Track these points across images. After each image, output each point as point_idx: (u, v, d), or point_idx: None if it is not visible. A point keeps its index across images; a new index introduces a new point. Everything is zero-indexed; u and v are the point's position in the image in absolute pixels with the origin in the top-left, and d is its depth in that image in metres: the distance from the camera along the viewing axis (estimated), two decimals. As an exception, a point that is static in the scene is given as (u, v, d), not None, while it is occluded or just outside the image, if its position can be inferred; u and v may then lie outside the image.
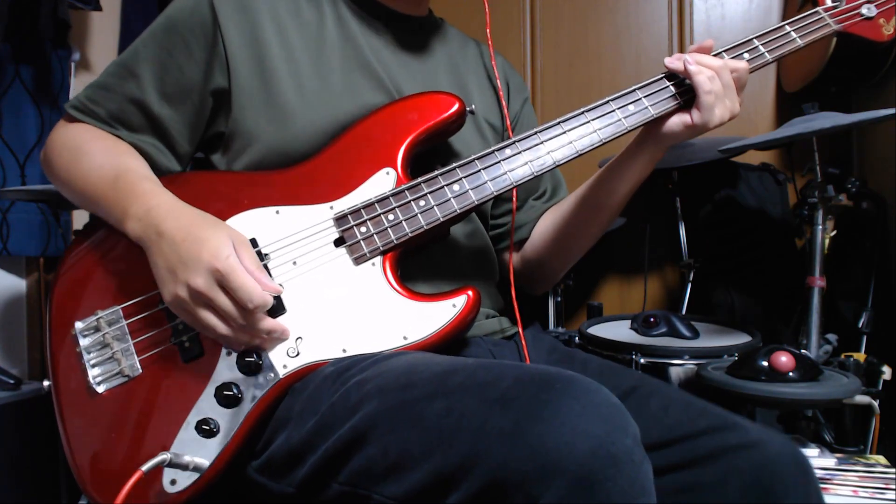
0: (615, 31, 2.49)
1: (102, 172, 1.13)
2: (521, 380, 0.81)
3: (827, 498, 1.01)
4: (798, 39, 1.20)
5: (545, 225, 1.39)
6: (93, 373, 1.09)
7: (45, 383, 1.15)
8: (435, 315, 1.05)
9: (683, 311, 2.15)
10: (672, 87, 1.17)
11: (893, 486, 1.32)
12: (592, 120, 1.15)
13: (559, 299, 2.16)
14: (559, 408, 0.76)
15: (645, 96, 1.16)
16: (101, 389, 1.09)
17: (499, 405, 0.79)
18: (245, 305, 0.98)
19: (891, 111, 1.49)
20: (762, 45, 1.19)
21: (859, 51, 1.92)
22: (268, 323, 1.02)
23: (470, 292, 1.06)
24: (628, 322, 1.90)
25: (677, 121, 1.17)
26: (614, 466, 0.74)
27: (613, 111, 1.16)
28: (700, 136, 2.43)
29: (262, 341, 1.03)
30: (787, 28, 1.20)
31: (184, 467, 1.00)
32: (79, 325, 1.12)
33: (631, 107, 1.16)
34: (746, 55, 1.18)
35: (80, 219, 2.35)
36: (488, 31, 1.35)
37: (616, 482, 0.73)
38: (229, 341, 1.02)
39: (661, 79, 1.18)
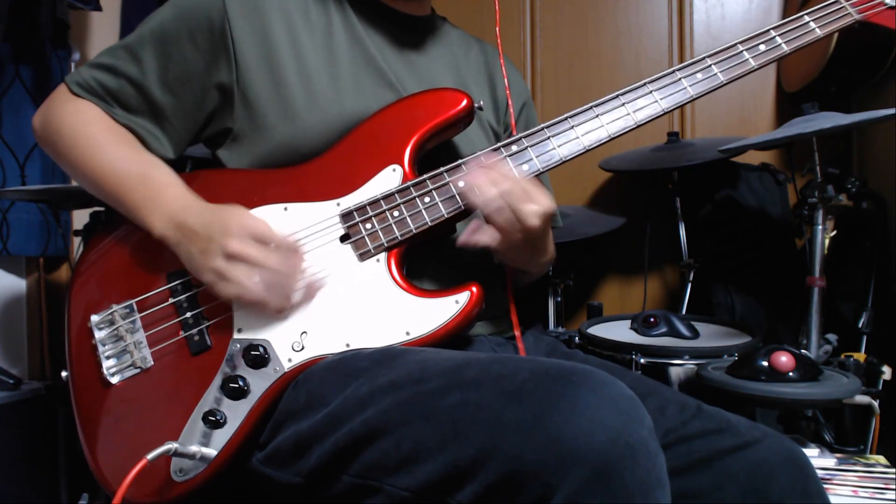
0: (615, 31, 2.49)
1: (124, 171, 1.15)
2: (537, 373, 0.82)
3: (829, 499, 1.01)
4: (817, 30, 1.16)
5: None
6: (107, 364, 1.13)
7: (64, 374, 1.18)
8: (437, 311, 1.05)
9: (683, 311, 2.15)
10: (684, 80, 1.14)
11: (893, 486, 1.32)
12: (601, 115, 1.14)
13: (559, 299, 2.16)
14: (576, 400, 0.77)
15: (656, 89, 1.14)
16: (114, 380, 1.12)
17: (515, 397, 0.80)
18: (285, 242, 1.04)
19: (891, 111, 1.49)
20: (779, 35, 1.15)
21: (860, 50, 1.93)
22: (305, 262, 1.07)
23: (473, 289, 1.06)
24: (628, 322, 1.90)
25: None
26: (631, 457, 0.75)
27: (622, 105, 1.14)
28: (700, 136, 2.46)
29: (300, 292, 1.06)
30: (806, 18, 1.16)
31: (191, 457, 1.02)
32: (94, 318, 1.15)
33: (641, 100, 1.14)
34: (762, 46, 1.15)
35: (80, 219, 2.35)
36: (497, 29, 1.34)
37: (633, 472, 0.74)
38: (273, 295, 1.03)
39: (674, 72, 1.15)
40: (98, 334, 1.14)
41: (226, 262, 1.02)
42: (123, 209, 1.15)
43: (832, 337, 1.75)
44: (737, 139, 1.91)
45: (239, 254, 1.01)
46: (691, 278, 2.17)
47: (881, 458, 1.47)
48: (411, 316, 1.06)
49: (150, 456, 0.95)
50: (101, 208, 1.82)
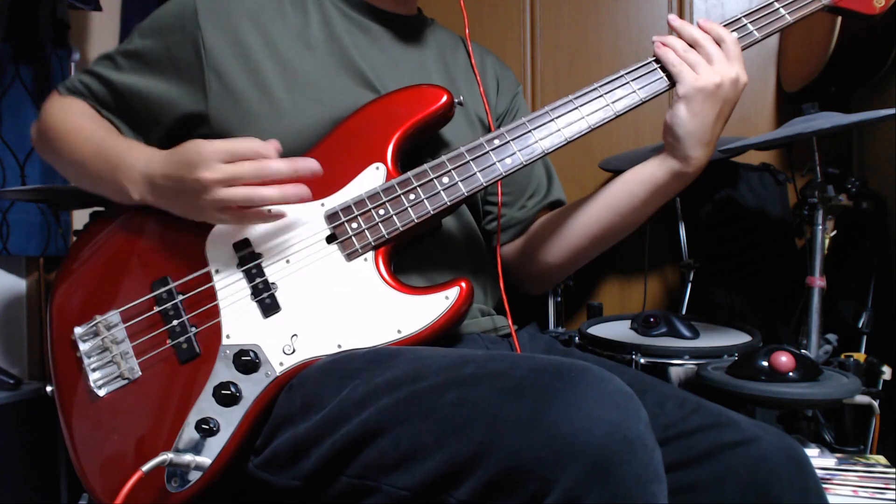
0: (615, 31, 2.49)
1: (101, 147, 1.17)
2: (534, 369, 0.83)
3: (827, 498, 1.01)
4: (787, 16, 1.18)
5: (553, 226, 1.37)
6: (93, 377, 1.11)
7: (49, 388, 1.16)
8: (428, 308, 1.05)
9: (683, 311, 2.14)
10: (660, 70, 1.16)
11: (893, 486, 1.32)
12: (580, 106, 1.14)
13: (559, 299, 2.16)
14: (574, 395, 0.77)
15: (633, 80, 1.16)
16: (102, 393, 1.11)
17: (513, 394, 0.80)
18: (248, 145, 1.03)
19: (891, 111, 1.48)
20: (750, 22, 1.18)
21: (860, 50, 1.92)
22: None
23: (463, 284, 1.07)
24: (628, 322, 1.90)
25: (674, 102, 1.15)
26: (629, 451, 0.75)
27: (601, 96, 1.15)
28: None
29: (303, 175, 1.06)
30: (776, 5, 1.18)
31: (185, 467, 1.01)
32: (78, 330, 1.13)
33: (619, 91, 1.15)
34: (735, 34, 1.17)
35: (80, 219, 2.35)
36: (466, 31, 1.39)
37: (631, 466, 0.75)
38: (267, 192, 1.03)
39: (650, 62, 1.17)
40: (83, 346, 1.13)
41: (207, 194, 1.02)
42: (104, 187, 1.17)
43: (832, 337, 1.74)
44: (737, 139, 1.90)
45: (213, 180, 1.01)
46: (691, 278, 2.17)
47: (881, 458, 1.46)
48: (402, 314, 1.05)
49: (145, 468, 0.95)
50: (102, 208, 1.82)
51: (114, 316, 1.13)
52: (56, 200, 2.01)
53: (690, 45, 1.14)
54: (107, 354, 1.11)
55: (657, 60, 1.16)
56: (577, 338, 1.86)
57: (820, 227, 1.70)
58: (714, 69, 1.12)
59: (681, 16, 2.42)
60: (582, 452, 0.74)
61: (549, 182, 1.44)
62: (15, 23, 2.05)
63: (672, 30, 1.17)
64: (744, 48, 1.17)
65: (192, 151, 1.03)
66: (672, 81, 1.15)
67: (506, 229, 1.39)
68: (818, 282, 1.69)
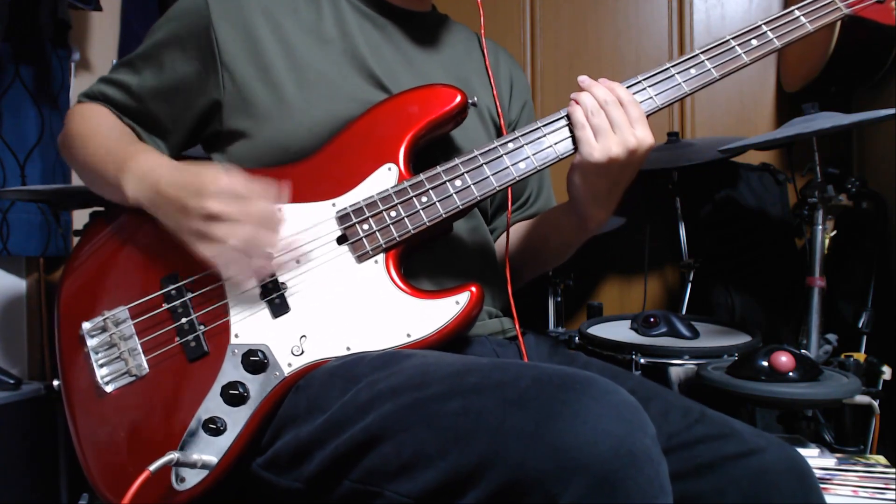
0: (615, 31, 2.49)
1: (110, 148, 1.16)
2: (539, 380, 0.82)
3: (827, 498, 1.01)
4: (808, 24, 1.15)
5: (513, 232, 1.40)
6: (101, 372, 1.10)
7: (55, 383, 1.16)
8: (438, 312, 1.05)
9: (683, 311, 2.15)
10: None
11: (893, 486, 1.32)
12: None
13: (559, 299, 2.16)
14: (579, 408, 0.77)
15: (650, 86, 1.13)
16: (109, 389, 1.10)
17: (517, 405, 0.80)
18: (263, 196, 1.01)
19: (891, 111, 1.49)
20: (770, 30, 1.15)
21: (860, 50, 1.93)
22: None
23: (473, 289, 1.05)
24: (628, 322, 1.90)
25: (571, 168, 1.14)
26: (634, 465, 0.74)
27: None
28: (700, 136, 2.45)
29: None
30: (797, 13, 1.16)
31: (192, 465, 1.01)
32: (86, 325, 1.12)
33: (636, 97, 1.12)
34: (754, 41, 1.14)
35: (80, 219, 2.34)
36: (482, 31, 1.37)
37: (636, 481, 0.74)
38: (254, 252, 1.02)
39: (668, 69, 1.15)
40: (90, 342, 1.12)
41: (205, 223, 1.01)
42: (108, 189, 1.16)
43: (832, 337, 1.75)
44: (737, 139, 1.91)
45: (218, 214, 1.00)
46: (691, 278, 2.17)
47: (881, 458, 1.47)
48: (412, 318, 1.05)
49: (152, 467, 0.94)
50: (102, 208, 1.81)
51: (122, 312, 1.12)
52: (56, 200, 2.00)
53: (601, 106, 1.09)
54: (114, 350, 1.10)
55: (674, 66, 1.14)
56: (576, 338, 1.86)
57: (820, 227, 1.71)
58: (615, 139, 1.08)
59: (680, 16, 2.43)
60: (587, 466, 0.73)
61: (538, 192, 1.44)
62: (15, 23, 2.04)
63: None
64: (763, 56, 1.15)
65: (206, 176, 1.02)
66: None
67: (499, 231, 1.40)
68: (818, 282, 1.69)
